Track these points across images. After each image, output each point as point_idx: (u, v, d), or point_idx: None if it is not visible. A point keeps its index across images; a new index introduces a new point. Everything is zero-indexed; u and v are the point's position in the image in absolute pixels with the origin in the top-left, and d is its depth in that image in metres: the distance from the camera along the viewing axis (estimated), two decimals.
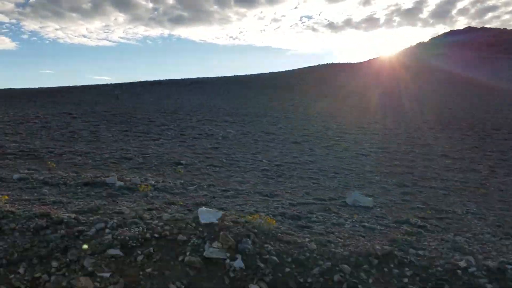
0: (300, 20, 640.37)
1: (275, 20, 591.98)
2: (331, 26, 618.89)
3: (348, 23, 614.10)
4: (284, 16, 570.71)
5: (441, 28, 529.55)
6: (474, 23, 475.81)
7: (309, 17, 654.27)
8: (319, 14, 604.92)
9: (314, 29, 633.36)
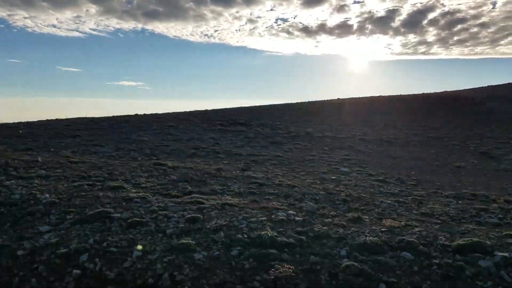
0: (276, 22, 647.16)
1: (251, 21, 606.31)
2: (306, 30, 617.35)
3: (322, 28, 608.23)
4: (260, 17, 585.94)
5: (412, 38, 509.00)
6: (444, 34, 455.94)
7: (285, 20, 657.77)
8: (294, 18, 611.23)
9: (289, 32, 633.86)
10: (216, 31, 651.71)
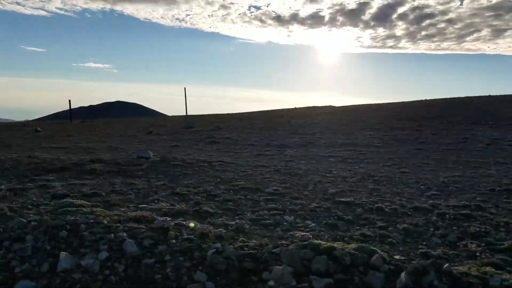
0: (249, 10, 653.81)
1: (224, 6, 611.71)
2: (278, 19, 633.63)
3: (294, 18, 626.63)
4: (233, 3, 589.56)
5: (381, 32, 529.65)
6: (412, 29, 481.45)
7: (258, 8, 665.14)
8: (267, 6, 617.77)
9: (262, 20, 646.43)
10: (188, 15, 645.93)
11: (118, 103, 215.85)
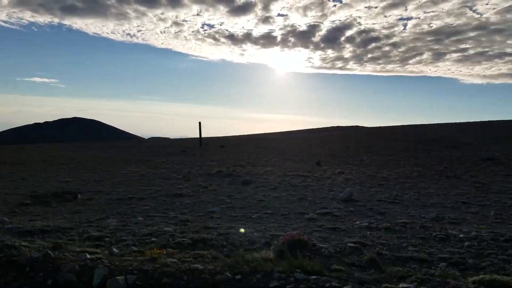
0: (202, 28, 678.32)
1: (176, 23, 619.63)
2: (232, 38, 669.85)
3: (247, 37, 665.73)
4: (186, 21, 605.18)
5: (330, 53, 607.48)
6: (359, 51, 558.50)
7: (211, 26, 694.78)
8: (221, 25, 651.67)
9: (215, 38, 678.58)
10: (139, 31, 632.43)
11: (76, 120, 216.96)
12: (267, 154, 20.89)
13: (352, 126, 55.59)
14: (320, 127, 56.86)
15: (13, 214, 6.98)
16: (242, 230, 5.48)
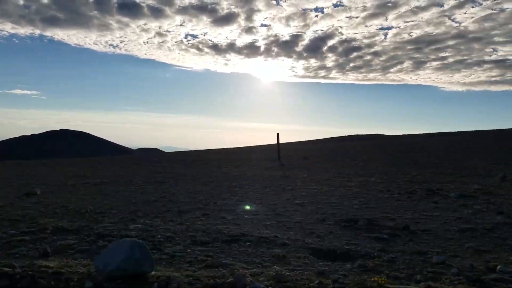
0: (186, 38, 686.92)
1: (159, 34, 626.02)
2: (216, 48, 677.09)
3: (231, 47, 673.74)
4: (169, 31, 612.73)
5: (313, 62, 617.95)
6: (341, 60, 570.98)
7: (194, 36, 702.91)
8: (204, 35, 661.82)
9: (199, 49, 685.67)
10: (122, 41, 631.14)
11: (63, 132, 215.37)
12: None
13: (370, 134, 55.61)
14: (315, 138, 55.65)
15: None
16: None
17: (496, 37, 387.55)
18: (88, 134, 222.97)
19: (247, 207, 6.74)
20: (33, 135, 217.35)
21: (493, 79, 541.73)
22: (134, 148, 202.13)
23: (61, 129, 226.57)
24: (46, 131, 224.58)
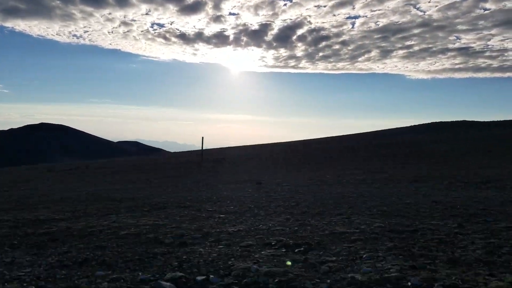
0: (152, 27, 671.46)
1: (125, 23, 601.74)
2: (183, 37, 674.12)
3: (199, 36, 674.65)
4: (134, 20, 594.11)
5: (283, 52, 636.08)
6: (311, 50, 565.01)
7: (161, 25, 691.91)
8: (171, 24, 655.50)
9: (166, 38, 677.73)
10: (86, 32, 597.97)
11: (45, 126, 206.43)
12: None
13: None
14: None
15: None
16: None
17: (459, 25, 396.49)
18: (68, 127, 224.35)
19: None
20: (10, 129, 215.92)
21: (456, 66, 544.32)
22: (115, 141, 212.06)
23: (41, 123, 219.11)
24: (25, 125, 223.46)
